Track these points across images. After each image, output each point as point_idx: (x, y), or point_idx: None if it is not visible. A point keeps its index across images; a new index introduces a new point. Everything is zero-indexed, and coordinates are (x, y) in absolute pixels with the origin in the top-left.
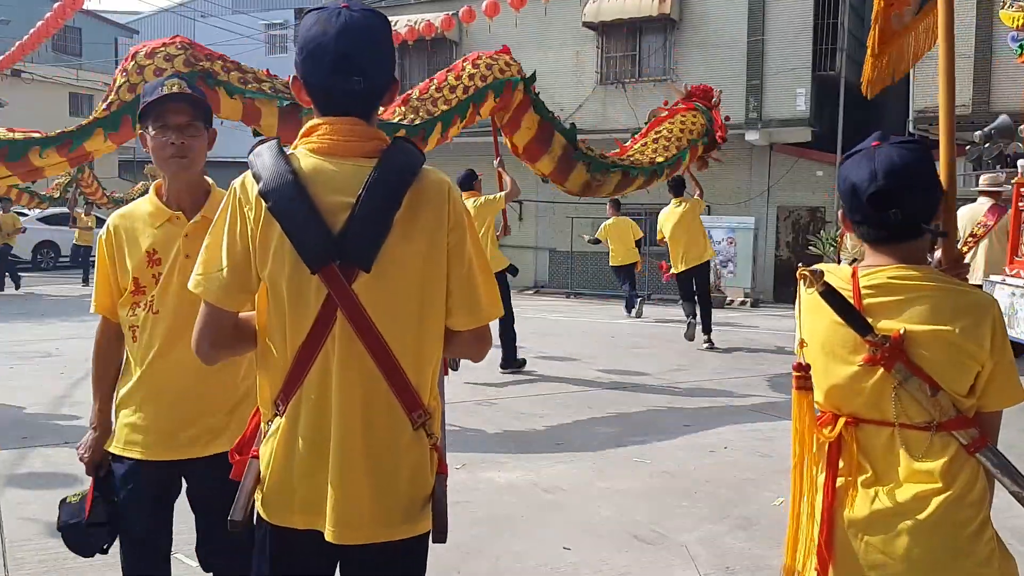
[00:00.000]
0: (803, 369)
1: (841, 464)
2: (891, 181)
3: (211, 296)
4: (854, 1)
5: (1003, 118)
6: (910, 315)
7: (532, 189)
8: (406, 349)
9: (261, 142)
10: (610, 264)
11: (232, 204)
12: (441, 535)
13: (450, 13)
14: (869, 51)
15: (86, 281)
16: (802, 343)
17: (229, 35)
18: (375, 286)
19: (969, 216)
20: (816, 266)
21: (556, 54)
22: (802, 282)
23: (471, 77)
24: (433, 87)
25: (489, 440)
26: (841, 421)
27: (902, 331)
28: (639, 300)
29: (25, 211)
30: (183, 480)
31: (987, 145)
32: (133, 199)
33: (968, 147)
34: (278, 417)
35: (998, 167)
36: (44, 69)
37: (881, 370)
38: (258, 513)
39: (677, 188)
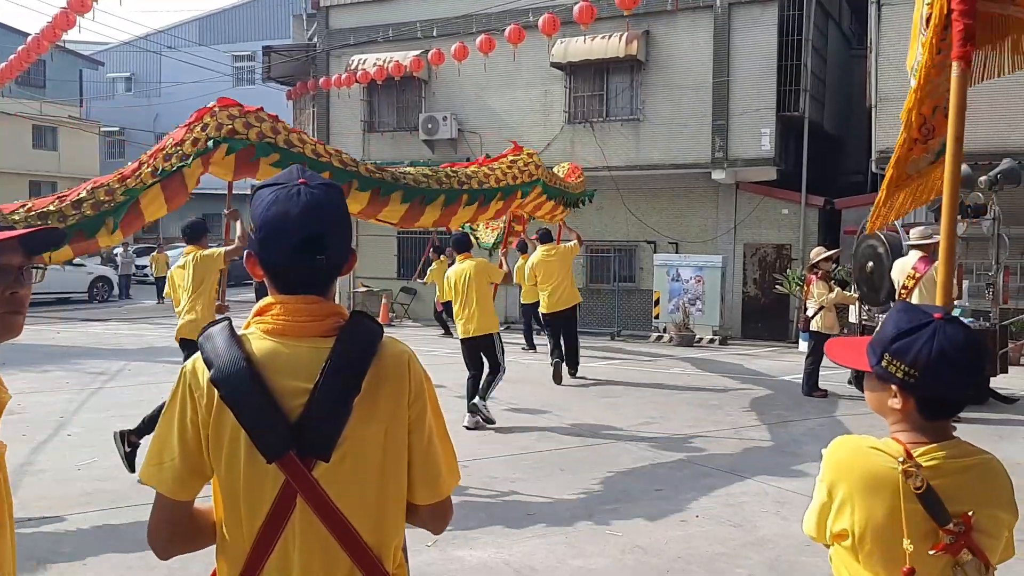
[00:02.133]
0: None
1: None
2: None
3: (165, 487)
4: (817, 44)
5: (963, 167)
6: (966, 496)
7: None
8: (369, 525)
9: (212, 324)
10: (442, 300)
11: (183, 390)
12: None
13: (418, 54)
14: (881, 193)
15: None
16: (844, 534)
17: (195, 68)
18: (336, 471)
19: (900, 268)
20: (864, 440)
21: (524, 93)
22: (906, 478)
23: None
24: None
25: (460, 509)
26: None
27: (971, 515)
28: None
29: None
30: None
31: None
32: None
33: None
34: None
35: (958, 216)
36: (7, 102)
37: (946, 555)
38: None
39: (460, 245)
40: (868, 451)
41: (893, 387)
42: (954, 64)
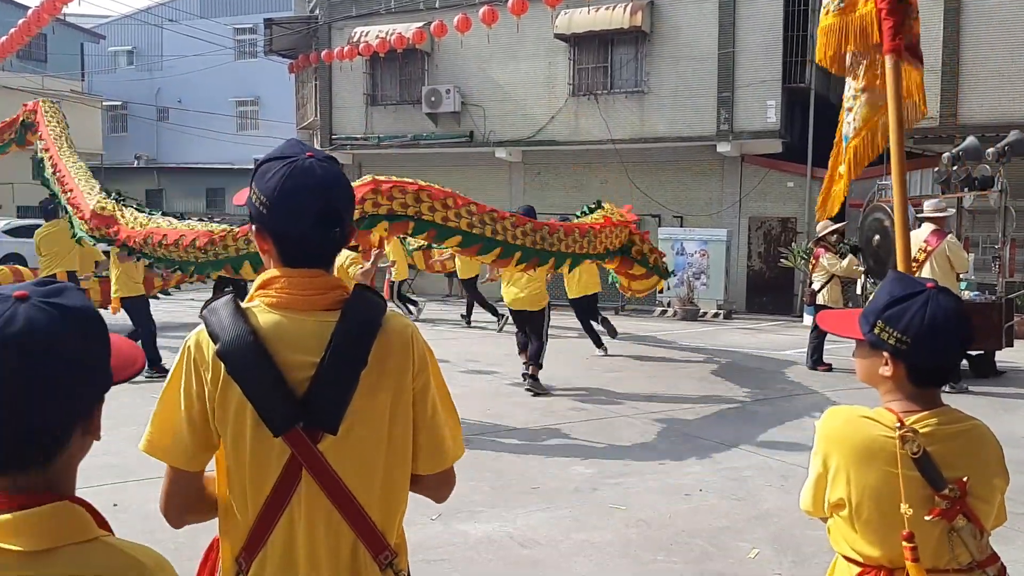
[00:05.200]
0: (911, 540)
1: None
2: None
3: (177, 460)
4: None
5: (970, 139)
6: (960, 461)
7: (508, 207)
8: (373, 499)
9: (214, 298)
10: (397, 280)
11: (186, 364)
12: None
13: (421, 26)
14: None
15: None
16: (841, 504)
17: (196, 41)
18: (341, 444)
19: (912, 241)
20: (857, 410)
21: (528, 65)
22: (902, 444)
23: None
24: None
25: (464, 483)
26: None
27: (966, 480)
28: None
29: None
30: None
31: (955, 168)
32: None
33: (936, 169)
34: (241, 574)
35: (965, 189)
36: (8, 76)
37: (942, 520)
38: None
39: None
40: (861, 420)
41: (885, 354)
42: (887, 57)
